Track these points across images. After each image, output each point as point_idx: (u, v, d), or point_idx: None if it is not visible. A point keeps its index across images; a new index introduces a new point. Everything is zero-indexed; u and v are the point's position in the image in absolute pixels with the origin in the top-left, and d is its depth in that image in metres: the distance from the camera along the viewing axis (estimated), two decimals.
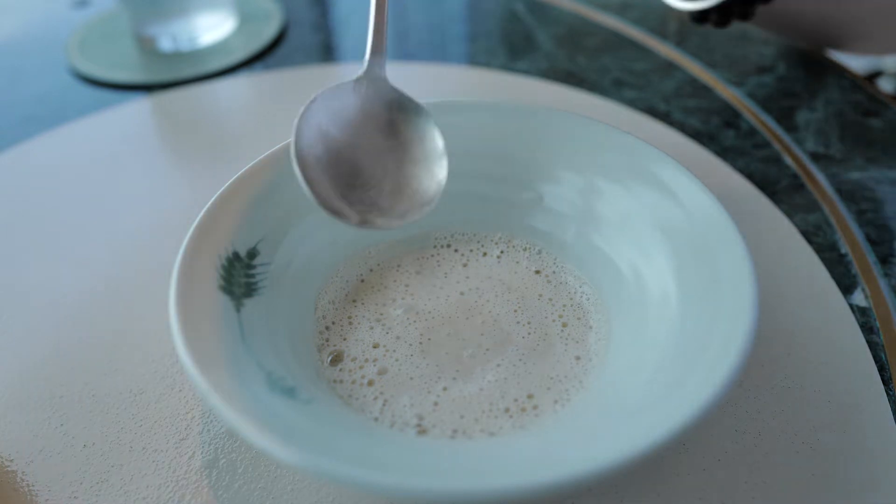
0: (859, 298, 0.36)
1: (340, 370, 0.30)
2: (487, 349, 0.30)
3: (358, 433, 0.25)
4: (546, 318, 0.32)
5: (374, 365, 0.30)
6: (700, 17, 0.45)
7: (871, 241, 0.39)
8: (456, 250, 0.35)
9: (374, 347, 0.31)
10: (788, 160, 0.45)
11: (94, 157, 0.48)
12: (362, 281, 0.34)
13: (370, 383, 0.29)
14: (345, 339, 0.31)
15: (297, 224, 0.32)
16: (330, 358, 0.30)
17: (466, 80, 0.53)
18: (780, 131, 0.47)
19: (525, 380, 0.29)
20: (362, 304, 0.33)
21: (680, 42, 0.57)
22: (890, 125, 0.47)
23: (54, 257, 0.40)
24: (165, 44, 0.60)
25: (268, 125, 0.51)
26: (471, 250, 0.35)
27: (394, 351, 0.30)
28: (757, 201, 0.41)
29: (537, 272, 0.33)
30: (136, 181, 0.46)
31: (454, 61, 0.57)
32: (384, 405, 0.28)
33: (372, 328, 0.32)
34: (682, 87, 0.51)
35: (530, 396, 0.29)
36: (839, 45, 0.49)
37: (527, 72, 0.54)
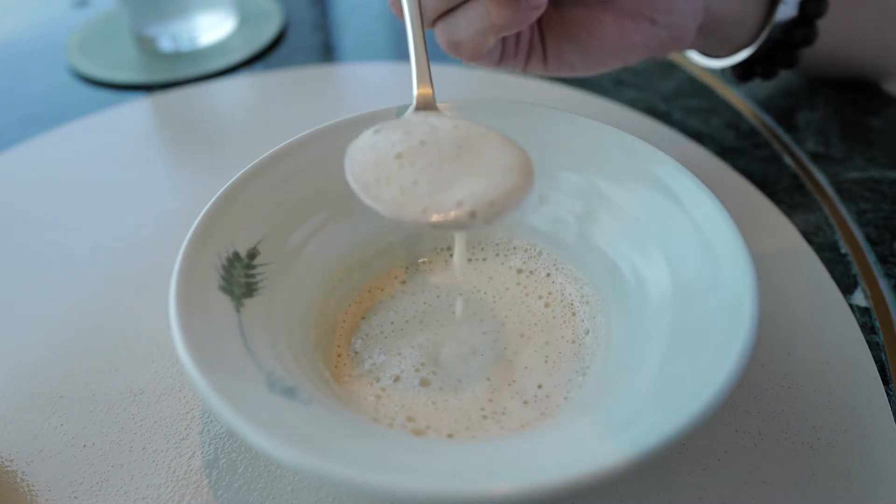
0: (859, 298, 0.36)
1: (340, 370, 0.30)
2: (486, 351, 0.30)
3: (357, 434, 0.25)
4: (547, 319, 0.32)
5: (374, 365, 0.30)
6: (745, 73, 0.44)
7: (871, 241, 0.39)
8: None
9: (374, 348, 0.31)
10: (788, 160, 0.45)
11: (94, 157, 0.48)
12: (363, 281, 0.34)
13: (369, 384, 0.29)
14: (344, 340, 0.31)
15: (297, 224, 0.32)
16: (329, 358, 0.30)
17: (466, 80, 0.53)
18: (780, 131, 0.47)
19: (525, 381, 0.29)
20: (362, 304, 0.33)
21: None
22: (890, 125, 0.47)
23: (54, 257, 0.40)
24: (165, 44, 0.60)
25: (268, 125, 0.51)
26: (471, 251, 0.35)
27: (393, 352, 0.30)
28: (757, 201, 0.41)
29: (533, 273, 0.33)
30: (136, 181, 0.46)
31: (455, 62, 0.57)
32: (383, 406, 0.28)
33: (372, 329, 0.32)
34: (682, 87, 0.51)
35: (527, 402, 0.29)
36: (887, 78, 0.49)
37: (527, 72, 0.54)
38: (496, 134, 0.29)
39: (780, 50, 0.42)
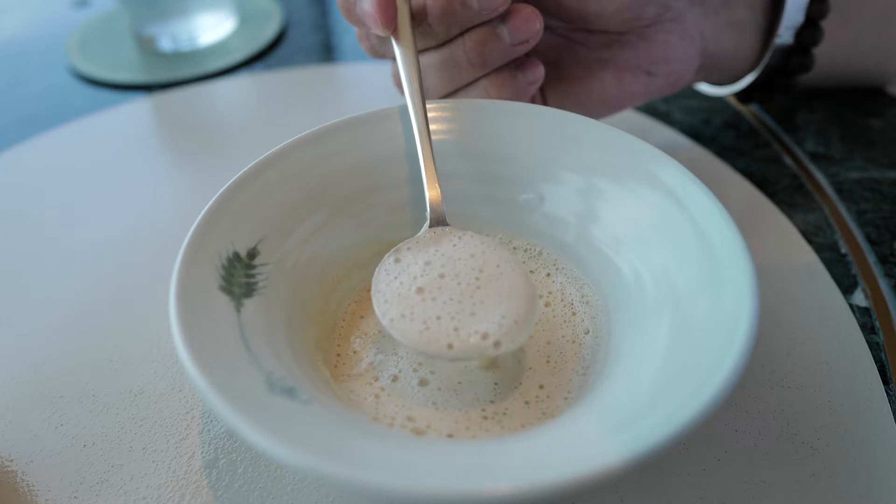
0: (859, 298, 0.36)
1: (339, 370, 0.30)
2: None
3: (357, 434, 0.25)
4: (547, 318, 0.32)
5: (374, 365, 0.30)
6: (744, 98, 0.45)
7: (871, 241, 0.39)
8: None
9: (374, 348, 0.31)
10: (788, 160, 0.45)
11: (94, 157, 0.48)
12: (362, 281, 0.34)
13: (368, 383, 0.29)
14: (345, 340, 0.31)
15: (297, 224, 0.32)
16: (329, 358, 0.30)
17: None
18: (780, 131, 0.47)
19: (525, 382, 0.29)
20: (362, 304, 0.33)
21: None
22: (890, 125, 0.47)
23: (54, 257, 0.40)
24: (165, 44, 0.60)
25: (268, 125, 0.51)
26: None
27: (393, 352, 0.30)
28: (757, 201, 0.41)
29: (533, 273, 0.33)
30: (136, 181, 0.46)
31: None
32: (383, 405, 0.28)
33: (370, 328, 0.32)
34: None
35: (528, 402, 0.29)
36: (887, 84, 0.50)
37: None
38: (510, 261, 0.30)
39: (778, 76, 0.43)
